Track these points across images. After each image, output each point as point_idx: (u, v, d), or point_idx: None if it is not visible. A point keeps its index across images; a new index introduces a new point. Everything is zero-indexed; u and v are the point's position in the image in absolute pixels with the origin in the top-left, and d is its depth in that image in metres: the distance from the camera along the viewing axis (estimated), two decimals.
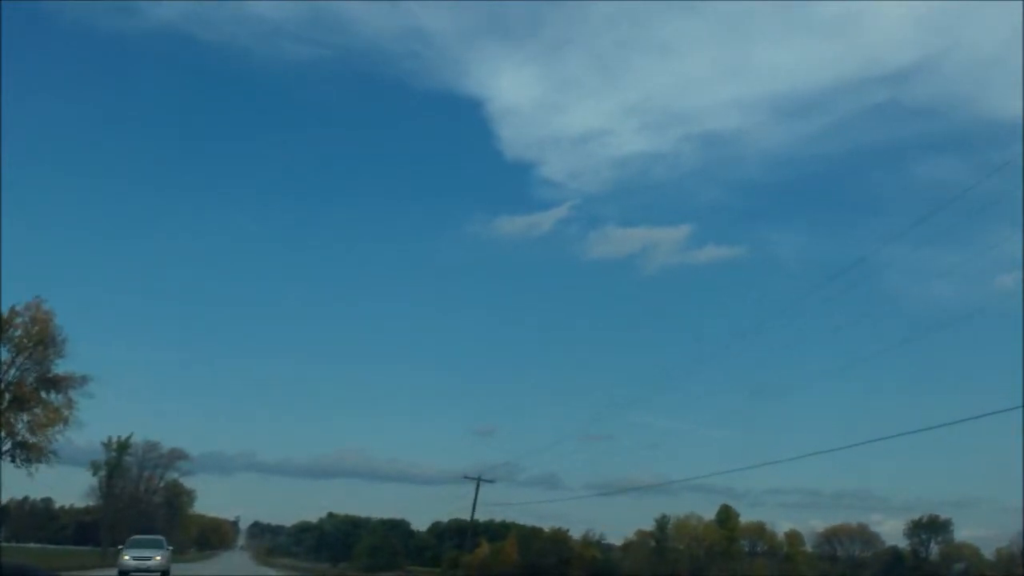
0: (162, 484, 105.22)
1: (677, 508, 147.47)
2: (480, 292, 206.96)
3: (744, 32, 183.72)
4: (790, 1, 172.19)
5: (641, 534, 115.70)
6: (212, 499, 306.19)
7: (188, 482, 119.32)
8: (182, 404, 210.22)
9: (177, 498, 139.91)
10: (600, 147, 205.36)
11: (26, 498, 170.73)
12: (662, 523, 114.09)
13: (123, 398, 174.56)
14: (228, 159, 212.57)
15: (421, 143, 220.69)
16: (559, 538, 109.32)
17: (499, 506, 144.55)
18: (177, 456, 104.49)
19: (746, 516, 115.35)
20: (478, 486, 57.20)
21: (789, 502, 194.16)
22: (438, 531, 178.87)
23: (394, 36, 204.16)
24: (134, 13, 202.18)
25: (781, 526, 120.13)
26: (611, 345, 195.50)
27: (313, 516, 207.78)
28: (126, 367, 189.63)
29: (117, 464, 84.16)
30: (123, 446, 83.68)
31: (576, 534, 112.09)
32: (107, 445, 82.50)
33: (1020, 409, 29.50)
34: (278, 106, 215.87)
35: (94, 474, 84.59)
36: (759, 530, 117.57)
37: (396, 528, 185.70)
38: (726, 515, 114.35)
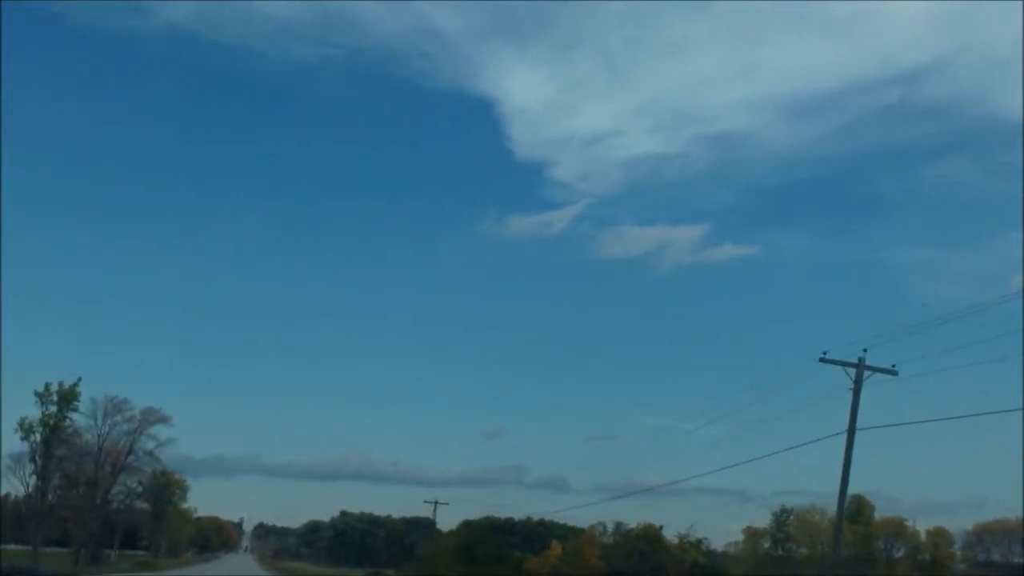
0: (131, 457, 73.93)
1: (684, 509, 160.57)
2: (489, 292, 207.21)
3: (754, 32, 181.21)
4: (801, 1, 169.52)
5: (751, 532, 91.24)
6: (215, 501, 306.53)
7: (169, 456, 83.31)
8: (184, 406, 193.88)
9: (165, 489, 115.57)
10: (610, 148, 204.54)
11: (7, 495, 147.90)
12: (780, 518, 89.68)
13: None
14: (237, 159, 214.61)
15: (431, 144, 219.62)
16: (651, 537, 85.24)
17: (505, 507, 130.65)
18: (154, 418, 74.15)
19: (758, 518, 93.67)
20: (859, 376, 27.20)
21: (798, 504, 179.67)
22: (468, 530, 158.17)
23: (405, 36, 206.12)
24: (143, 13, 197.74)
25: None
26: (617, 344, 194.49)
27: (320, 516, 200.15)
28: (126, 368, 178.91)
29: (57, 425, 58.16)
30: (68, 396, 57.89)
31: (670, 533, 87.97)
32: (42, 396, 57.11)
33: (1020, 411, 26.16)
34: (288, 106, 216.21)
35: (24, 438, 58.23)
36: (897, 527, 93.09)
37: (421, 527, 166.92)
38: (859, 508, 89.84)
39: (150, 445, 74.03)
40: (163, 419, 72.97)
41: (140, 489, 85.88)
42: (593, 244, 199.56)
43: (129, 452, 71.59)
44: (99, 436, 67.60)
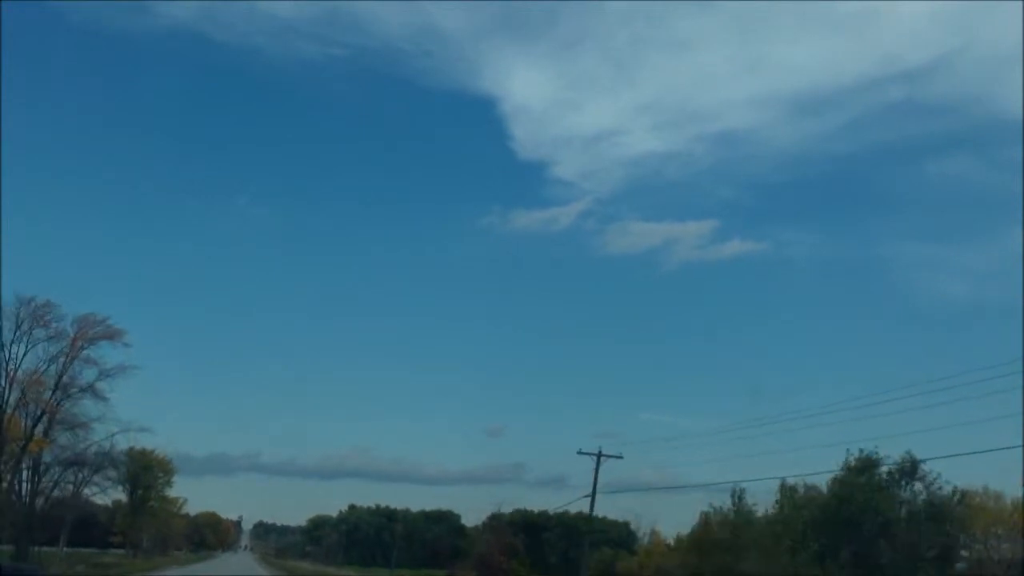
0: (58, 394, 47.33)
1: (683, 505, 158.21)
2: (492, 290, 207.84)
3: (760, 29, 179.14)
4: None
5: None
6: (214, 500, 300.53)
7: (123, 396, 57.44)
8: (184, 404, 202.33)
9: (146, 472, 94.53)
10: (613, 146, 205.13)
11: None
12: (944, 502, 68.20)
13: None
14: (239, 157, 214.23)
15: (434, 142, 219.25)
16: None
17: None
18: (95, 332, 48.27)
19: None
20: None
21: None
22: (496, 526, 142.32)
23: (408, 35, 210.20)
24: (146, 12, 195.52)
25: None
26: (621, 342, 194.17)
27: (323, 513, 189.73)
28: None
29: None
30: None
31: None
32: None
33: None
34: (291, 105, 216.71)
35: None
36: None
37: (443, 522, 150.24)
38: None
39: (91, 376, 48.71)
40: (110, 333, 47.29)
41: (92, 455, 58.93)
42: (598, 241, 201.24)
43: (56, 387, 46.24)
44: (6, 360, 43.80)
